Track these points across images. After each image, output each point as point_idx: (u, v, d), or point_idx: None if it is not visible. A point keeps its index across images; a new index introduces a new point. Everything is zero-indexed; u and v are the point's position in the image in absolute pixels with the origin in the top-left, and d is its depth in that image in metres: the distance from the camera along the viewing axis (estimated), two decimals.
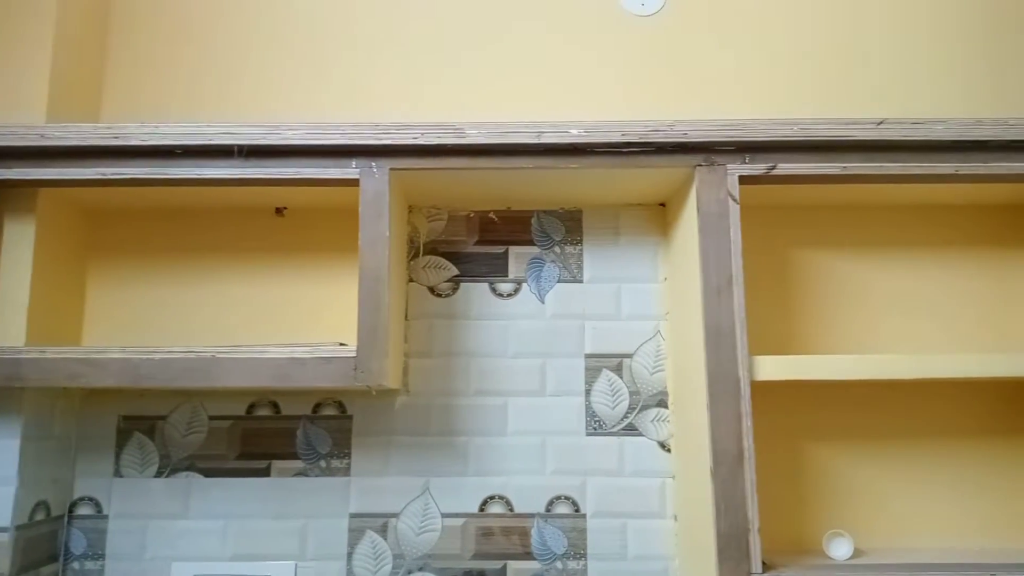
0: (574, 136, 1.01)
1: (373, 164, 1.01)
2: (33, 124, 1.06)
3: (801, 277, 1.20)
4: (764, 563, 0.99)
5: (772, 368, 0.99)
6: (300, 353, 0.98)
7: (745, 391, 0.97)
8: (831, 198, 1.17)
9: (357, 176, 1.01)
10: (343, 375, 0.97)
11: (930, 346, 1.17)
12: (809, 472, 1.16)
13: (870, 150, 1.02)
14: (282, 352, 0.98)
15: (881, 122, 1.00)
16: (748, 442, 0.96)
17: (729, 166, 1.02)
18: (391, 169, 1.02)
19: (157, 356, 0.98)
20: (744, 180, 1.03)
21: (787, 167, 1.02)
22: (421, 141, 1.00)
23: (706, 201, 1.02)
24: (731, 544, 0.95)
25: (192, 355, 0.98)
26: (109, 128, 1.02)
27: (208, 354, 0.98)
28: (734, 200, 1.01)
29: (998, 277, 1.19)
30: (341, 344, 1.02)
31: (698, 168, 1.02)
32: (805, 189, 1.11)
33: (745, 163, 1.02)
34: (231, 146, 1.01)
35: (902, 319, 1.19)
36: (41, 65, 1.11)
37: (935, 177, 1.02)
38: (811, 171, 1.02)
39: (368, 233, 0.99)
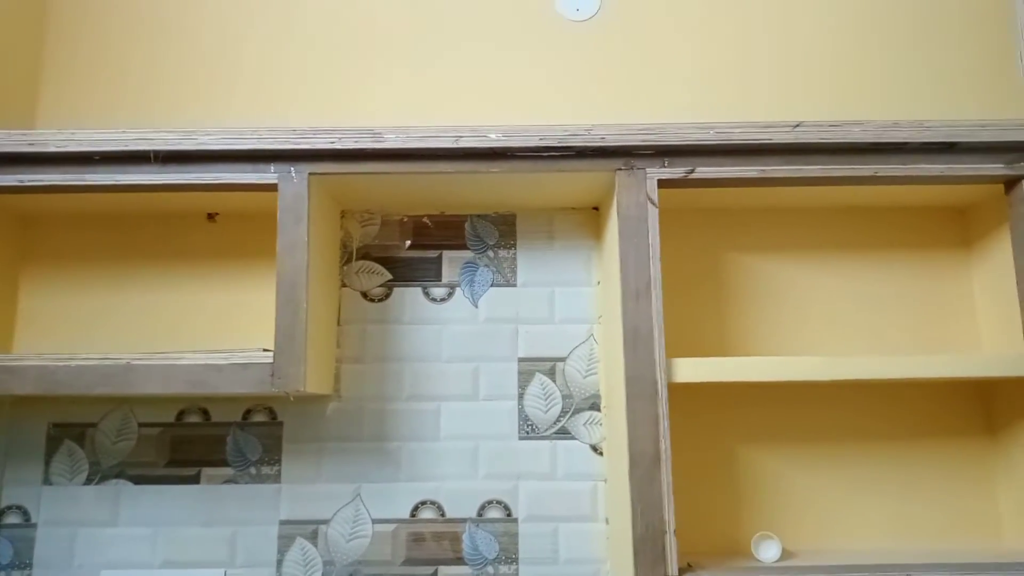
0: (493, 140, 1.01)
1: (292, 169, 1.01)
2: None
3: (730, 280, 1.21)
4: (688, 564, 0.99)
5: (690, 370, 1.00)
6: (216, 360, 0.97)
7: (662, 393, 0.98)
8: (758, 201, 1.18)
9: (276, 181, 1.01)
10: (260, 381, 0.97)
11: (855, 348, 1.18)
12: (741, 474, 1.16)
13: (788, 153, 1.02)
14: (198, 359, 0.97)
15: (797, 125, 1.01)
16: (665, 444, 0.96)
17: (648, 170, 1.02)
18: (310, 174, 1.01)
19: (73, 363, 0.98)
20: (663, 184, 1.03)
21: (706, 171, 1.02)
22: (338, 145, 1.00)
23: (626, 205, 1.02)
24: (647, 546, 0.95)
25: (108, 362, 0.97)
26: (25, 135, 1.01)
27: (124, 361, 0.97)
28: (653, 204, 1.01)
29: (921, 279, 1.20)
30: (266, 350, 1.01)
31: (618, 172, 1.03)
32: (733, 192, 1.11)
33: (664, 167, 1.03)
34: (148, 152, 1.00)
35: (827, 321, 1.19)
36: None
37: (854, 179, 1.03)
38: (730, 174, 1.02)
39: (286, 238, 0.99)
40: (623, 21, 1.29)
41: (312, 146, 1.00)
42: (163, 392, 0.97)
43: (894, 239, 1.21)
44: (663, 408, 0.97)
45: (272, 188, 1.02)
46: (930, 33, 1.26)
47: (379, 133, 1.00)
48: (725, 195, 1.13)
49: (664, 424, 0.97)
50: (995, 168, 1.03)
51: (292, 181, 1.01)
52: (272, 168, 1.01)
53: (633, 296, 1.00)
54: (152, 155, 1.00)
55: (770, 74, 1.26)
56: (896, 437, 1.16)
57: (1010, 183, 1.06)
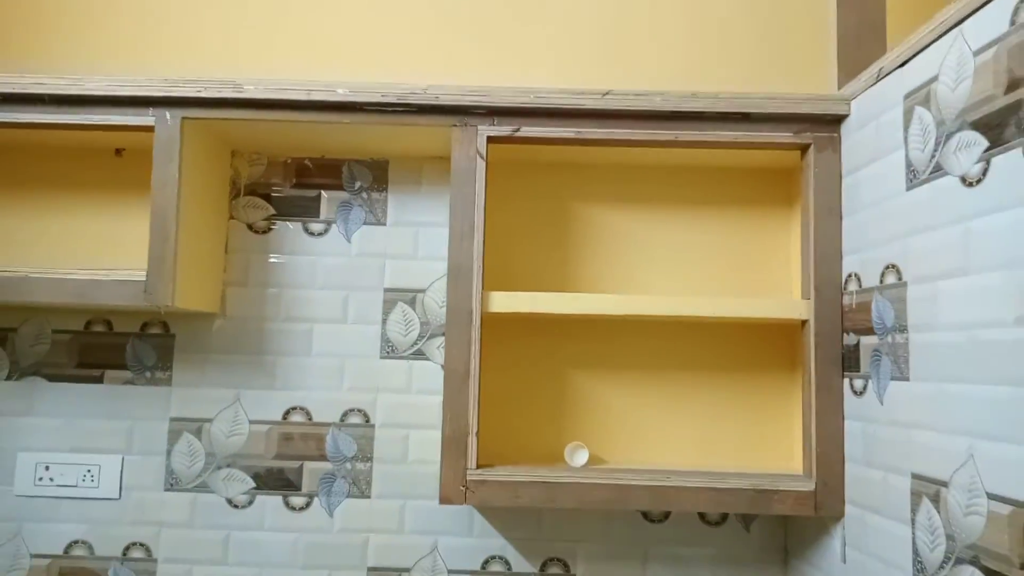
0: (340, 95, 1.15)
1: (167, 113, 1.16)
2: None
3: (576, 227, 1.36)
4: (488, 463, 1.18)
5: (503, 302, 1.16)
6: (99, 276, 1.15)
7: (476, 321, 1.15)
8: (606, 159, 1.32)
9: (153, 123, 1.16)
10: (134, 295, 1.14)
11: (682, 291, 1.34)
12: (569, 396, 1.34)
13: (599, 117, 1.16)
14: (83, 275, 1.15)
15: (607, 93, 1.15)
16: (475, 363, 1.14)
17: (479, 127, 1.17)
18: (183, 118, 1.16)
19: None
20: (492, 140, 1.18)
21: (529, 130, 1.17)
22: (204, 94, 1.14)
23: (458, 158, 1.17)
24: (453, 446, 1.13)
25: (8, 273, 1.15)
26: None
27: (22, 273, 1.15)
28: (481, 157, 1.16)
29: (748, 233, 1.35)
30: (141, 271, 1.18)
31: (453, 128, 1.17)
32: (580, 150, 1.25)
33: (493, 125, 1.17)
34: (42, 95, 1.15)
35: (660, 267, 1.35)
36: None
37: (657, 142, 1.17)
38: (549, 134, 1.17)
39: (159, 174, 1.15)
40: None
41: (183, 94, 1.15)
42: (52, 301, 1.15)
43: (727, 196, 1.35)
44: (476, 333, 1.14)
45: (150, 130, 1.17)
46: (747, 11, 1.37)
47: (240, 84, 1.15)
48: (575, 152, 1.27)
49: (475, 347, 1.14)
50: (785, 136, 1.17)
51: (167, 124, 1.16)
52: (150, 112, 1.16)
53: (459, 237, 1.16)
54: (46, 98, 1.15)
55: (589, 46, 1.37)
56: (710, 368, 1.33)
57: (803, 149, 1.20)
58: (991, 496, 0.80)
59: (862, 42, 1.23)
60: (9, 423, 1.35)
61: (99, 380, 1.36)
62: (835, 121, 1.17)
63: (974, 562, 0.83)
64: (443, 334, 1.36)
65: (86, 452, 1.35)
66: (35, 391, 1.36)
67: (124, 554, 1.33)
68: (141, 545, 1.33)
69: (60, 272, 1.15)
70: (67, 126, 1.18)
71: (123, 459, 1.35)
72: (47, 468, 1.34)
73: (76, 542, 1.33)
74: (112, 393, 1.36)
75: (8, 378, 1.36)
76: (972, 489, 0.83)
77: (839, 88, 1.25)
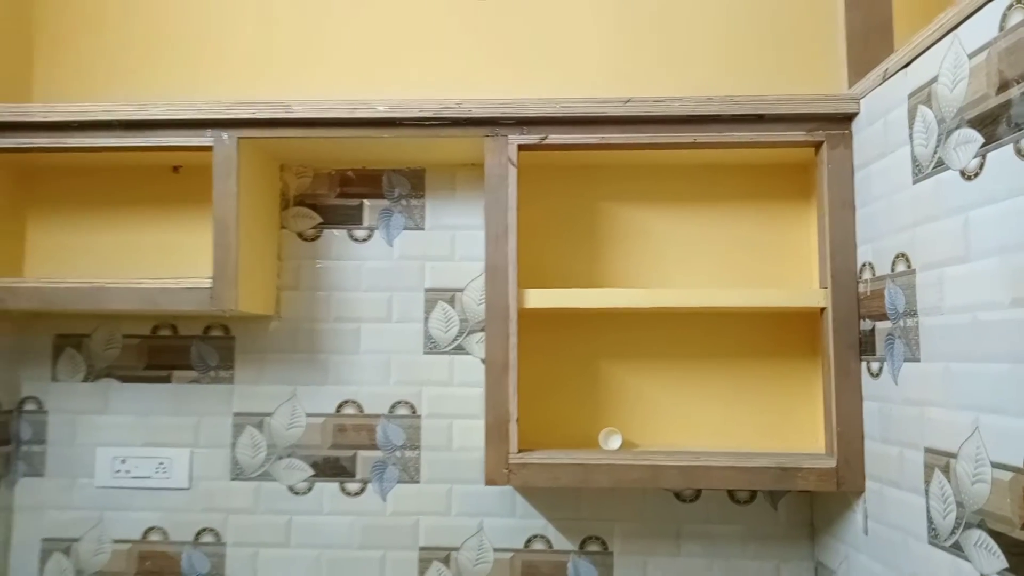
0: (380, 112, 1.25)
1: (224, 134, 1.27)
2: None
3: (602, 225, 1.44)
4: (528, 447, 1.27)
5: (537, 299, 1.25)
6: (168, 284, 1.26)
7: (513, 316, 1.24)
8: (629, 159, 1.40)
9: (211, 143, 1.27)
10: (201, 301, 1.26)
11: (705, 284, 1.41)
12: (603, 386, 1.42)
13: (622, 123, 1.24)
14: (154, 283, 1.26)
15: (628, 100, 1.23)
16: (513, 356, 1.23)
17: (509, 136, 1.26)
18: (239, 137, 1.27)
19: (62, 285, 1.27)
20: (522, 147, 1.26)
21: (556, 137, 1.25)
22: (257, 115, 1.25)
23: (491, 165, 1.26)
24: (496, 432, 1.23)
25: (86, 285, 1.27)
26: (19, 107, 1.28)
27: (98, 284, 1.27)
28: (512, 164, 1.25)
29: (768, 227, 1.42)
30: (208, 278, 1.29)
31: (486, 138, 1.26)
32: (604, 153, 1.34)
33: (523, 134, 1.26)
34: (112, 121, 1.27)
35: (683, 262, 1.42)
36: None
37: (677, 145, 1.25)
38: (576, 141, 1.25)
39: (219, 190, 1.26)
40: (515, 2, 1.49)
41: (238, 115, 1.26)
42: (128, 309, 1.27)
43: (745, 192, 1.42)
44: (513, 328, 1.24)
45: (207, 149, 1.28)
46: (759, 13, 1.44)
47: (289, 105, 1.25)
48: (599, 154, 1.35)
49: (513, 340, 1.23)
50: (798, 135, 1.24)
51: (224, 143, 1.27)
52: (208, 133, 1.27)
53: (494, 239, 1.25)
54: (116, 123, 1.27)
55: (610, 56, 1.45)
56: (734, 356, 1.40)
57: (817, 146, 1.27)
58: (995, 464, 0.87)
59: (870, 42, 1.29)
60: (88, 421, 1.48)
61: (167, 380, 1.48)
62: (846, 119, 1.23)
63: (981, 525, 0.90)
64: (481, 330, 1.45)
65: (158, 446, 1.47)
66: (109, 391, 1.49)
67: (196, 539, 1.45)
68: (211, 530, 1.45)
69: (133, 282, 1.27)
70: (134, 148, 1.29)
71: (192, 452, 1.47)
72: (123, 461, 1.47)
73: (152, 528, 1.46)
74: (179, 392, 1.48)
75: (84, 380, 1.49)
76: (978, 459, 0.90)
77: (849, 86, 1.31)
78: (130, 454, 1.47)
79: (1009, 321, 0.85)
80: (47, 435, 1.49)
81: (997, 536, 0.87)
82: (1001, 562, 0.86)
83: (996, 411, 0.87)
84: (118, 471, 1.47)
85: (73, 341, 1.50)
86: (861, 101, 1.21)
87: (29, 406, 1.49)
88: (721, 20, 1.45)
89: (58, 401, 1.49)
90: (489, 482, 1.22)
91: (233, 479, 1.45)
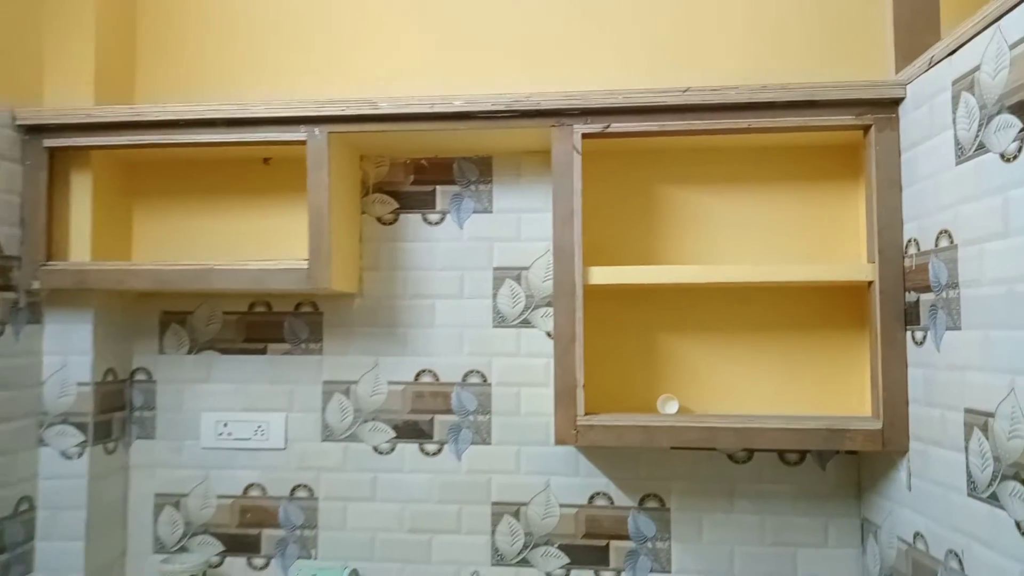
0: (458, 106, 1.37)
1: (315, 129, 1.40)
2: (83, 107, 1.49)
3: (661, 206, 1.54)
4: (593, 411, 1.39)
5: (601, 276, 1.37)
6: (269, 266, 1.41)
7: (579, 292, 1.35)
8: (686, 144, 1.49)
9: (304, 138, 1.41)
10: (299, 281, 1.40)
11: (756, 260, 1.51)
12: (660, 356, 1.53)
13: (680, 111, 1.34)
14: (257, 265, 1.41)
15: (686, 90, 1.32)
16: (579, 328, 1.35)
17: (575, 126, 1.37)
18: (329, 132, 1.41)
19: (175, 268, 1.43)
20: (586, 136, 1.37)
21: (618, 126, 1.36)
22: (347, 112, 1.38)
23: (558, 153, 1.37)
24: (564, 396, 1.35)
25: (197, 267, 1.43)
26: (132, 108, 1.44)
27: (207, 266, 1.42)
28: (577, 152, 1.36)
29: (818, 205, 1.50)
30: (303, 260, 1.44)
31: (552, 128, 1.37)
32: (666, 138, 1.43)
33: (587, 123, 1.36)
34: (215, 119, 1.41)
35: (738, 240, 1.51)
36: (88, 59, 1.53)
37: (733, 131, 1.34)
38: (636, 128, 1.36)
39: (312, 180, 1.40)
40: (571, 4, 1.59)
41: (329, 112, 1.39)
42: (235, 288, 1.42)
43: (797, 172, 1.51)
44: (579, 303, 1.35)
45: (302, 143, 1.41)
46: (811, 2, 1.51)
47: (375, 102, 1.38)
48: (658, 139, 1.45)
49: (579, 314, 1.35)
50: (848, 119, 1.32)
51: (316, 138, 1.40)
52: (301, 129, 1.41)
53: (560, 222, 1.36)
54: (219, 121, 1.42)
55: (668, 47, 1.54)
56: (786, 328, 1.50)
57: (865, 129, 1.35)
58: None
59: (917, 29, 1.35)
60: (193, 389, 1.65)
61: (263, 352, 1.64)
62: (893, 103, 1.31)
63: (1015, 477, 0.99)
64: (546, 305, 1.57)
65: (256, 411, 1.63)
66: (212, 362, 1.65)
67: (291, 494, 1.62)
68: (305, 486, 1.61)
69: (239, 264, 1.42)
70: (235, 143, 1.44)
71: (286, 416, 1.63)
72: (225, 425, 1.64)
73: (252, 485, 1.63)
74: (274, 362, 1.64)
75: (188, 352, 1.66)
76: (1014, 417, 0.99)
77: (896, 72, 1.38)
78: (231, 418, 1.64)
79: None
80: (156, 402, 1.66)
81: None
82: None
83: None
84: (221, 434, 1.64)
85: (178, 318, 1.67)
86: (908, 87, 1.29)
87: (140, 376, 1.67)
88: (773, 9, 1.52)
89: (165, 371, 1.66)
90: (559, 442, 1.35)
91: (324, 440, 1.61)
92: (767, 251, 1.50)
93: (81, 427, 1.54)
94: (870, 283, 1.35)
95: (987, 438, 1.06)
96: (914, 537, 1.26)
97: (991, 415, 1.05)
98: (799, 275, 1.36)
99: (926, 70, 1.22)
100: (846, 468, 1.50)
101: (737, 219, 1.51)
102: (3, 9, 1.46)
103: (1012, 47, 0.99)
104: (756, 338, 1.50)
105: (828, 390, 1.48)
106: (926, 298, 1.23)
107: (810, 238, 1.49)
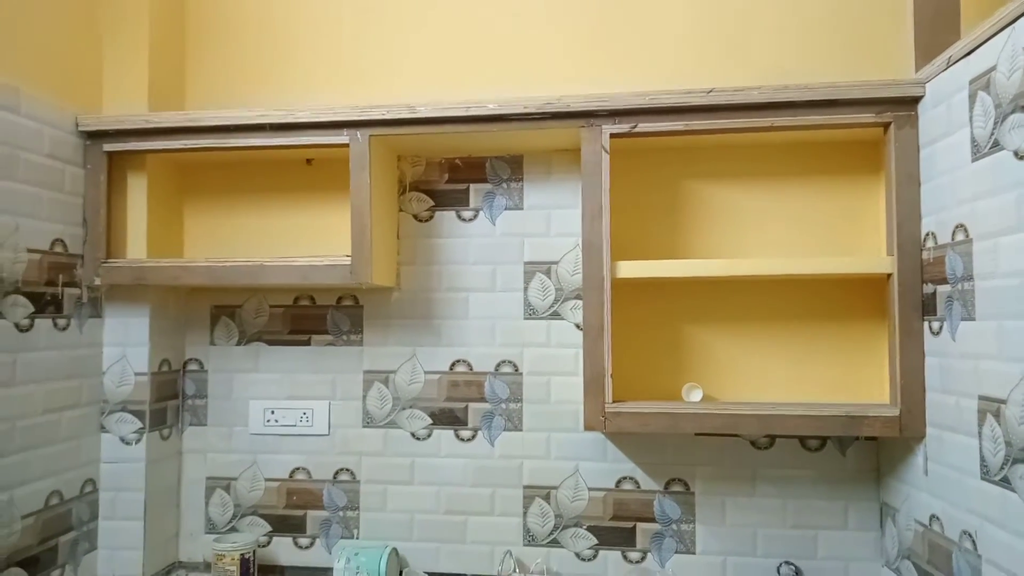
0: (491, 109, 1.44)
1: (358, 133, 1.48)
2: (139, 113, 1.59)
3: (687, 201, 1.60)
4: (620, 398, 1.46)
5: (628, 269, 1.43)
6: (315, 262, 1.50)
7: (607, 286, 1.42)
8: (710, 141, 1.54)
9: (347, 141, 1.49)
10: (343, 275, 1.49)
11: (780, 254, 1.56)
12: (685, 346, 1.60)
13: (704, 111, 1.40)
14: (305, 261, 1.50)
15: (710, 90, 1.38)
16: (607, 320, 1.42)
17: (603, 126, 1.43)
18: (371, 136, 1.49)
19: (228, 264, 1.53)
20: (614, 136, 1.43)
21: (645, 126, 1.42)
22: (387, 116, 1.46)
23: (587, 152, 1.44)
24: (593, 385, 1.42)
25: (249, 263, 1.52)
26: (185, 115, 1.53)
27: (258, 263, 1.51)
28: (605, 151, 1.43)
29: (840, 199, 1.55)
30: (346, 256, 1.52)
31: (581, 128, 1.44)
32: (691, 136, 1.49)
33: (615, 124, 1.43)
34: (264, 124, 1.50)
35: (761, 234, 1.57)
36: (142, 68, 1.63)
37: (755, 129, 1.40)
38: (663, 128, 1.42)
39: (355, 181, 1.48)
40: (597, 7, 1.64)
41: (371, 117, 1.47)
42: (283, 283, 1.51)
43: (818, 168, 1.56)
44: (607, 296, 1.42)
45: (345, 146, 1.50)
46: (824, 5, 1.55)
47: (414, 107, 1.46)
48: (683, 138, 1.50)
49: (607, 306, 1.42)
50: (867, 117, 1.37)
51: (358, 141, 1.49)
52: (344, 133, 1.49)
53: (589, 218, 1.43)
54: (267, 126, 1.50)
55: (693, 50, 1.60)
56: (807, 319, 1.55)
57: (885, 126, 1.40)
58: None
59: (937, 29, 1.39)
60: (242, 378, 1.75)
61: (307, 343, 1.73)
62: (913, 101, 1.35)
63: None
64: (575, 297, 1.64)
65: (301, 399, 1.73)
66: (259, 353, 1.75)
67: (334, 477, 1.71)
68: (347, 470, 1.71)
69: (288, 260, 1.51)
70: (282, 147, 1.53)
71: (329, 404, 1.72)
72: (272, 412, 1.74)
73: (298, 468, 1.72)
74: (318, 353, 1.73)
75: (238, 343, 1.76)
76: None
77: (916, 70, 1.42)
78: (278, 406, 1.73)
79: None
80: (208, 390, 1.76)
81: None
82: None
83: None
84: (268, 420, 1.74)
85: (227, 311, 1.77)
86: (927, 85, 1.33)
87: (192, 366, 1.77)
88: (797, 9, 1.57)
89: (216, 362, 1.76)
90: (588, 427, 1.42)
91: (364, 427, 1.70)
92: (789, 245, 1.55)
93: (139, 414, 1.64)
94: (889, 275, 1.40)
95: (999, 424, 1.11)
96: (930, 519, 1.31)
97: (1004, 402, 1.10)
98: (820, 268, 1.41)
99: (944, 69, 1.27)
100: (866, 454, 1.55)
101: (760, 214, 1.57)
102: (66, 25, 1.56)
103: None
104: (778, 329, 1.56)
105: (848, 379, 1.53)
106: (943, 290, 1.28)
107: (831, 232, 1.54)
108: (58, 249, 1.52)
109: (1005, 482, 1.09)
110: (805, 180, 1.55)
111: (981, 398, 1.16)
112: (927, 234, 1.34)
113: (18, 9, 1.43)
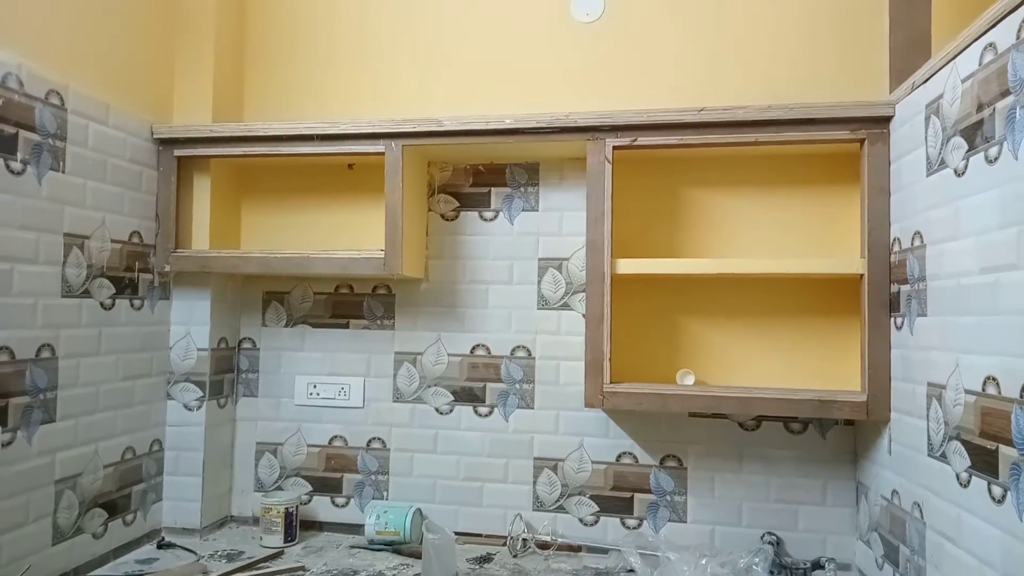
0: (508, 124, 1.64)
1: (392, 143, 1.70)
2: (205, 123, 1.84)
3: (684, 206, 1.78)
4: (619, 380, 1.65)
5: (627, 266, 1.62)
6: (354, 255, 1.72)
7: (607, 280, 1.61)
8: (704, 153, 1.72)
9: (383, 151, 1.71)
10: (377, 267, 1.71)
11: (764, 255, 1.73)
12: (680, 337, 1.78)
13: (697, 127, 1.57)
14: (345, 254, 1.73)
15: (702, 109, 1.56)
16: (607, 310, 1.61)
17: (606, 140, 1.62)
18: (404, 146, 1.70)
19: (279, 255, 1.76)
20: (616, 148, 1.62)
21: (644, 140, 1.60)
22: (417, 128, 1.67)
23: (592, 163, 1.63)
24: (593, 367, 1.62)
25: (298, 255, 1.75)
26: (244, 126, 1.77)
27: (304, 255, 1.74)
28: (608, 161, 1.62)
29: (821, 207, 1.71)
30: (381, 250, 1.74)
31: (587, 141, 1.63)
32: (686, 149, 1.67)
33: (617, 137, 1.62)
34: (312, 134, 1.73)
35: (749, 237, 1.74)
36: (207, 84, 1.88)
37: (742, 143, 1.57)
38: (659, 142, 1.60)
39: (389, 184, 1.70)
40: (614, 26, 1.83)
41: (403, 129, 1.68)
42: (327, 273, 1.74)
43: (800, 177, 1.72)
44: (607, 289, 1.61)
45: (381, 154, 1.71)
46: (809, 31, 1.71)
47: (440, 121, 1.66)
48: (679, 150, 1.68)
49: (607, 298, 1.61)
50: (843, 134, 1.53)
51: (393, 150, 1.70)
52: (381, 143, 1.71)
53: (593, 220, 1.62)
54: (315, 136, 1.73)
55: (687, 72, 1.77)
56: (788, 314, 1.72)
57: (860, 142, 1.56)
58: (966, 391, 1.18)
59: (911, 54, 1.54)
60: (289, 356, 1.99)
61: (346, 326, 1.96)
62: (885, 120, 1.51)
63: (956, 437, 1.20)
64: (583, 291, 1.83)
65: (339, 375, 1.96)
66: (304, 334, 1.98)
67: (367, 445, 1.94)
68: (379, 439, 1.93)
69: (330, 252, 1.74)
70: (327, 154, 1.75)
71: (364, 380, 1.94)
72: (315, 386, 1.97)
73: (336, 436, 1.95)
74: (355, 335, 1.95)
75: (286, 326, 2.00)
76: (957, 388, 1.21)
77: (891, 91, 1.57)
78: (319, 381, 1.97)
79: (978, 284, 1.14)
80: (259, 366, 2.00)
81: (965, 444, 1.18)
82: (967, 462, 1.17)
83: (969, 351, 1.17)
84: (311, 393, 1.97)
85: (277, 297, 2.00)
86: (896, 106, 1.49)
87: (246, 345, 2.02)
88: (783, 34, 1.73)
89: (267, 341, 2.00)
90: (588, 405, 1.62)
91: (394, 401, 1.92)
92: (774, 247, 1.72)
93: (200, 385, 1.89)
94: (861, 276, 1.55)
95: (940, 407, 1.27)
96: (892, 494, 1.47)
97: (944, 387, 1.26)
98: (801, 268, 1.58)
99: (910, 93, 1.42)
100: (844, 438, 1.71)
101: (748, 218, 1.74)
102: (145, 48, 1.81)
103: (963, 81, 1.20)
104: (763, 322, 1.73)
105: (825, 368, 1.70)
106: (905, 289, 1.44)
107: (812, 236, 1.71)
108: (135, 240, 1.78)
109: (943, 457, 1.25)
110: (789, 188, 1.72)
111: (929, 384, 1.32)
112: (894, 239, 1.49)
113: (108, 37, 1.68)
